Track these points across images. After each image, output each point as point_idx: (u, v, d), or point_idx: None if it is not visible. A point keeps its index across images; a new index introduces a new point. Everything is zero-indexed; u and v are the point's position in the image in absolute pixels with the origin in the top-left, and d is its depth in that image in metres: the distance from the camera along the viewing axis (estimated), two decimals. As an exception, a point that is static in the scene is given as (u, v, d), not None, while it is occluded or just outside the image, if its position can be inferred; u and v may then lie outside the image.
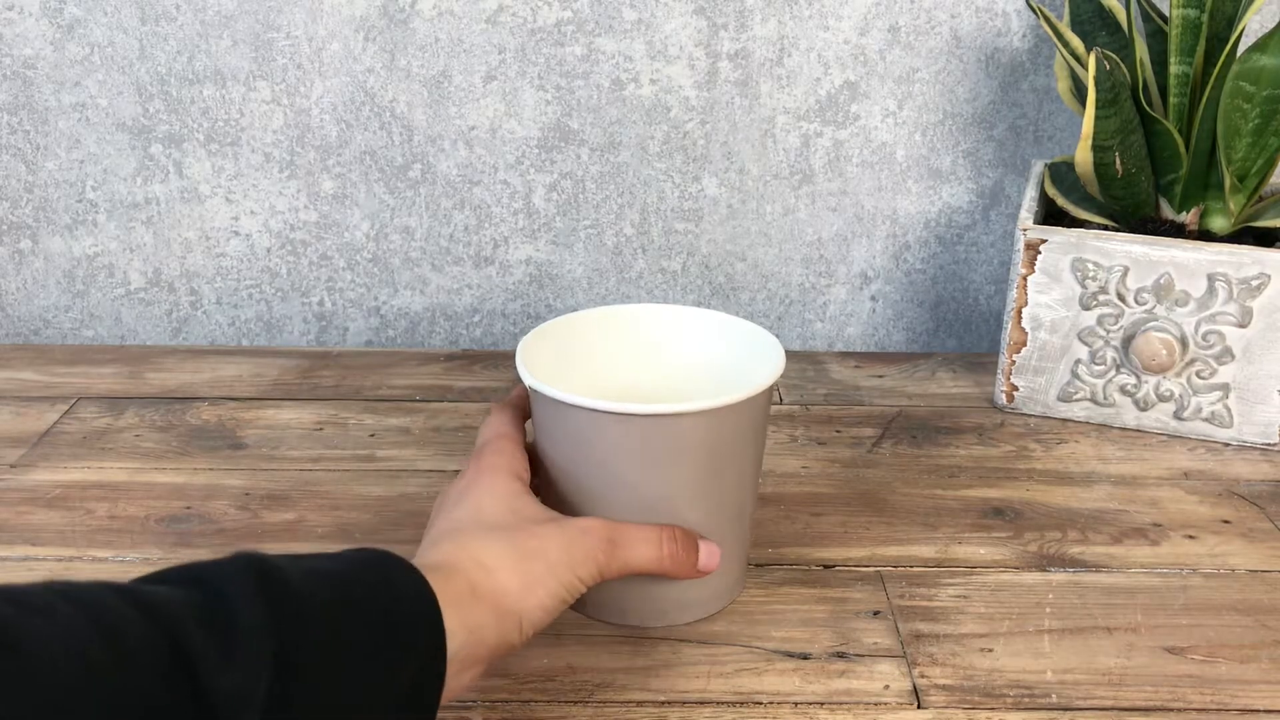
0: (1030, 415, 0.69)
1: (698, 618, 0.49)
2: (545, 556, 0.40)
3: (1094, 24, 0.68)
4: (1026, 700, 0.45)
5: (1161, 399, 0.66)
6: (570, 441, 0.46)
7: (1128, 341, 0.65)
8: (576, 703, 0.45)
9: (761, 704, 0.45)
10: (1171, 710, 0.45)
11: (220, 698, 0.28)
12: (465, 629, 0.37)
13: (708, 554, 0.46)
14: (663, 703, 0.45)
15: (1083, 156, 0.63)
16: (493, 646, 0.38)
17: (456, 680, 0.37)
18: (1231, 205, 0.65)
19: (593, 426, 0.44)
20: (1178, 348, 0.63)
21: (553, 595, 0.40)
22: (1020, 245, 0.65)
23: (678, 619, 0.48)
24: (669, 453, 0.44)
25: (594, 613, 0.49)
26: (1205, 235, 0.66)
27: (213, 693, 0.28)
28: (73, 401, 0.69)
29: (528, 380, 0.46)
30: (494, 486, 0.43)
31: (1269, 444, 0.65)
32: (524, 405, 0.50)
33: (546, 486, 0.48)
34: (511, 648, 0.39)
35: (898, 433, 0.67)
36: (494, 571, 0.39)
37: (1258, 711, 0.45)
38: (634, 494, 0.45)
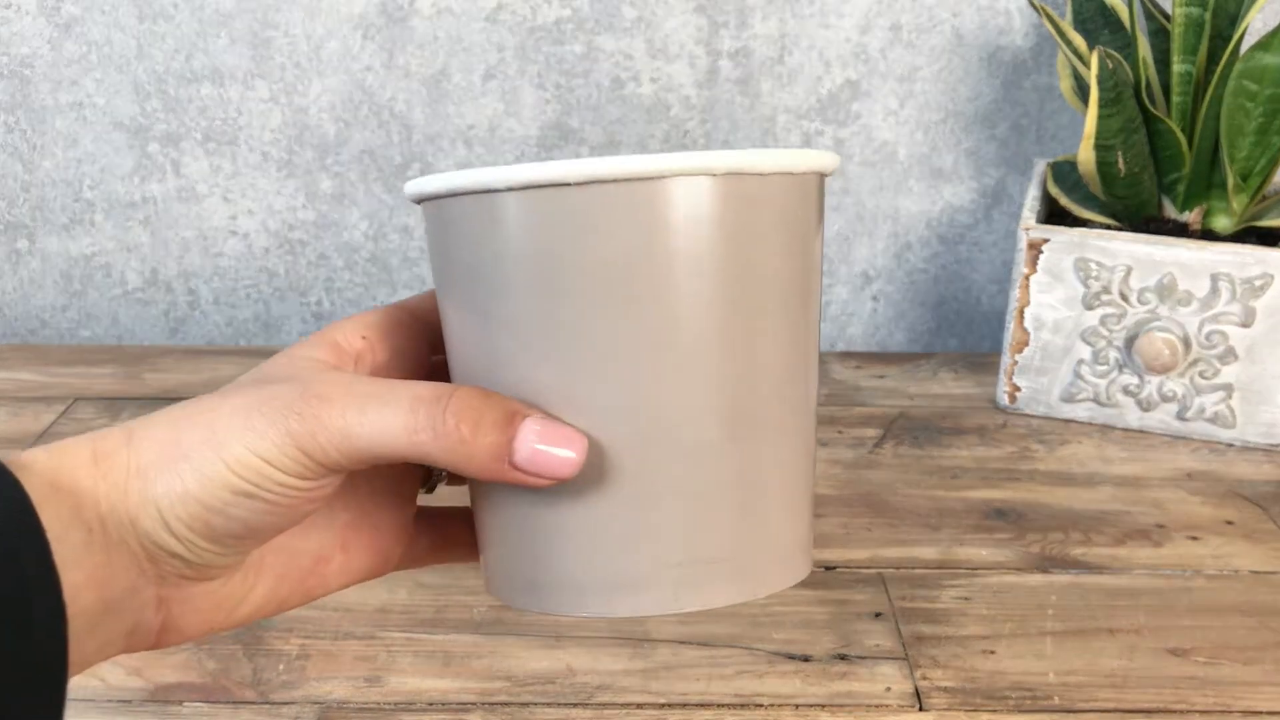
0: (1033, 416, 0.69)
1: (722, 600, 0.28)
2: (212, 424, 0.26)
3: (1096, 22, 0.68)
4: (1029, 702, 0.45)
5: (1164, 399, 0.65)
6: (488, 273, 0.27)
7: (1130, 341, 0.64)
8: (576, 705, 0.44)
9: (763, 706, 0.44)
10: (1174, 712, 0.44)
11: None
12: (82, 526, 0.25)
13: (535, 436, 0.26)
14: (663, 705, 0.44)
15: (1085, 155, 0.63)
16: (135, 551, 0.26)
17: (95, 599, 0.25)
18: (1235, 205, 0.65)
19: (528, 222, 0.26)
20: (1180, 348, 0.63)
21: (205, 477, 0.25)
22: (1022, 245, 0.65)
23: (674, 601, 0.28)
24: (649, 252, 0.26)
25: (558, 604, 0.29)
26: (1208, 235, 0.66)
27: None
28: (70, 402, 0.69)
29: (420, 186, 0.28)
30: (280, 354, 0.30)
31: (1272, 444, 0.64)
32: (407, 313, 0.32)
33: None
34: (170, 554, 0.26)
35: (899, 433, 0.67)
36: (136, 442, 0.26)
37: (1261, 713, 0.44)
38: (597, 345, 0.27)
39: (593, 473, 0.27)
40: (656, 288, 0.26)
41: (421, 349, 0.31)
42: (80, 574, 0.25)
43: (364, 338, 0.30)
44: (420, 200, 0.29)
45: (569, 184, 0.26)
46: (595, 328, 0.26)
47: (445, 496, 0.33)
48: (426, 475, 0.33)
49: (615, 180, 0.26)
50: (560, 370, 0.27)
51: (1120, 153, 0.63)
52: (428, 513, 0.33)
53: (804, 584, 0.52)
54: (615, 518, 0.27)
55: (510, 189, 0.26)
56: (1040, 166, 0.73)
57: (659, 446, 0.27)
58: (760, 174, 0.27)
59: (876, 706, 0.44)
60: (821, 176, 0.29)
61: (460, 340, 0.29)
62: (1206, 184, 0.66)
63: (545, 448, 0.26)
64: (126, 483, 0.26)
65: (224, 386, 0.28)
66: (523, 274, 0.27)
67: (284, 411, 0.26)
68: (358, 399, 0.26)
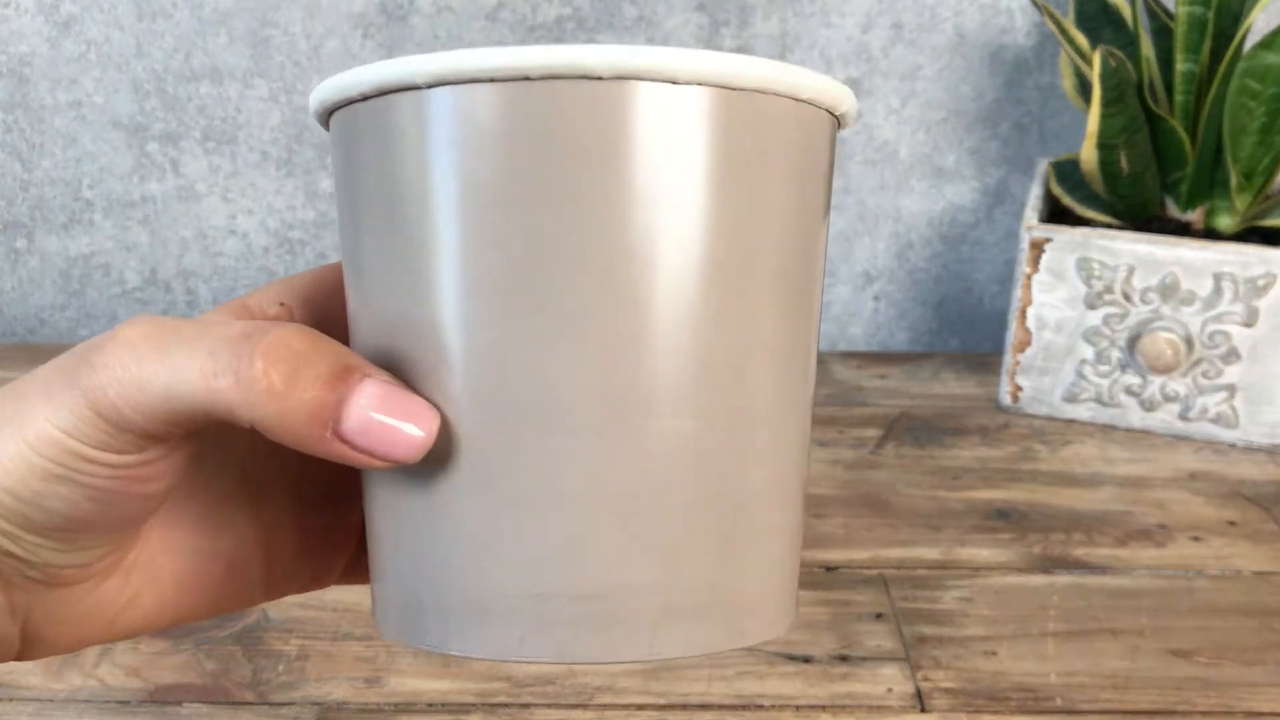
0: (1035, 416, 0.68)
1: (681, 650, 0.21)
2: (21, 395, 0.21)
3: (1099, 21, 0.67)
4: (1030, 704, 0.44)
5: (1167, 399, 0.65)
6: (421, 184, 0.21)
7: (1133, 341, 0.64)
8: (577, 706, 0.44)
9: (764, 707, 0.44)
10: (1176, 713, 0.44)
11: None
12: None
13: (375, 401, 0.20)
14: (664, 706, 0.44)
15: (1088, 155, 0.63)
16: None
17: None
18: (1238, 204, 0.64)
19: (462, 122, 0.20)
20: (1183, 348, 0.63)
21: (9, 460, 0.21)
22: (1025, 244, 0.64)
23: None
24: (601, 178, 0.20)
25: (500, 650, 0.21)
26: (1211, 234, 0.66)
27: None
28: (69, 401, 0.69)
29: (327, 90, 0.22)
30: None
31: (1275, 445, 0.64)
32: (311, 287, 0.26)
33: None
34: (2, 553, 0.21)
35: (901, 434, 0.66)
36: None
37: (1263, 715, 0.44)
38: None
39: (454, 456, 0.21)
40: (596, 226, 0.20)
41: None
42: None
43: (281, 304, 0.25)
44: (329, 114, 0.23)
45: (485, 79, 0.20)
46: (520, 265, 0.20)
47: None
48: None
49: (569, 77, 0.20)
50: (457, 317, 0.20)
51: (1123, 152, 0.62)
52: None
53: (805, 585, 0.52)
54: (469, 521, 0.21)
55: (439, 83, 0.20)
56: (1042, 166, 0.73)
57: (587, 433, 0.20)
58: (776, 94, 0.21)
59: (878, 708, 0.44)
60: (836, 121, 0.23)
61: (348, 291, 0.23)
62: (1209, 183, 0.66)
63: (384, 418, 0.20)
64: None
65: None
66: (422, 193, 0.20)
67: (79, 367, 0.20)
68: (159, 341, 0.20)
